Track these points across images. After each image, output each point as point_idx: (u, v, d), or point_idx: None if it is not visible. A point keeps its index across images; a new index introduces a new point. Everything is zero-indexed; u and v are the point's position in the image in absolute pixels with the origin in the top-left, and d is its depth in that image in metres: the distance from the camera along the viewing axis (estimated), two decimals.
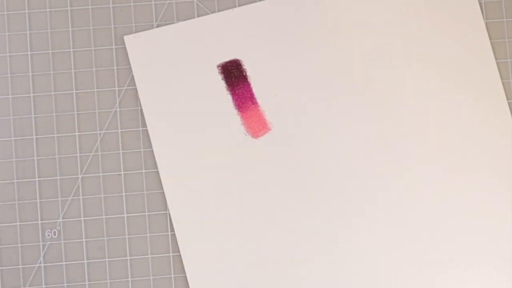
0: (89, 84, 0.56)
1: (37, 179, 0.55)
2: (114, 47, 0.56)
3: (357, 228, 0.55)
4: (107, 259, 0.55)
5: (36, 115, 0.56)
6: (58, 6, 0.56)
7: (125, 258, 0.55)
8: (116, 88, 0.56)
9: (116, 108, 0.56)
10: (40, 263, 0.55)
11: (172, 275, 0.55)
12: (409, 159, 0.56)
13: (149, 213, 0.55)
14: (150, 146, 0.55)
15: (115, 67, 0.56)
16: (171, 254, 0.55)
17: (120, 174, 0.55)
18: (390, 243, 0.55)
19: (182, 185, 0.55)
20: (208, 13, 0.57)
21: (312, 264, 0.55)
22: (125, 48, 0.56)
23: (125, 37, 0.56)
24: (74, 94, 0.56)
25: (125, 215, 0.55)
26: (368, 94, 0.56)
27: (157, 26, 0.56)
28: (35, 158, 0.55)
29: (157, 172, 0.55)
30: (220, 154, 0.55)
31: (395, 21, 0.57)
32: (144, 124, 0.56)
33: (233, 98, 0.56)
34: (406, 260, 0.55)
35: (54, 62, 0.56)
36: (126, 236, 0.55)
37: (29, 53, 0.56)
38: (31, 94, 0.56)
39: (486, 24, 0.57)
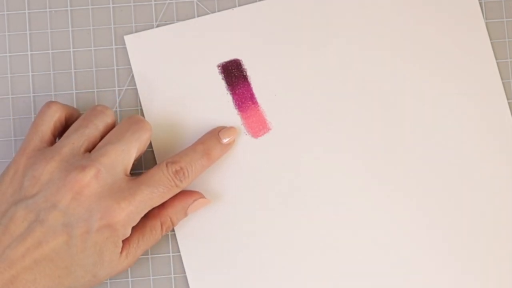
0: (89, 84, 0.56)
1: None
2: (114, 47, 0.56)
3: (357, 228, 0.55)
4: None
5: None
6: (58, 6, 0.56)
7: None
8: (116, 88, 0.56)
9: (116, 108, 0.56)
10: None
11: (172, 275, 0.55)
12: (409, 159, 0.56)
13: None
14: (150, 146, 0.55)
15: (115, 67, 0.56)
16: (171, 254, 0.55)
17: None
18: (390, 243, 0.55)
19: None
20: (208, 13, 0.57)
21: (312, 264, 0.55)
22: (125, 48, 0.56)
23: (125, 37, 0.56)
24: (74, 94, 0.56)
25: None
26: (368, 94, 0.56)
27: (157, 26, 0.56)
28: None
29: None
30: None
31: (395, 21, 0.57)
32: None
33: (233, 98, 0.56)
34: (407, 260, 0.55)
35: (54, 62, 0.56)
36: None
37: (29, 53, 0.56)
38: (31, 94, 0.56)
39: (486, 24, 0.57)
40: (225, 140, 0.54)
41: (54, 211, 0.47)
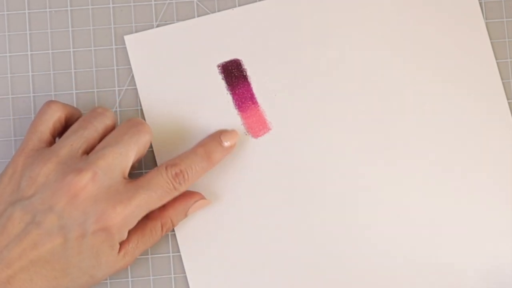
0: (89, 84, 0.56)
1: None
2: (114, 47, 0.56)
3: (357, 228, 0.55)
4: None
5: None
6: (58, 6, 0.56)
7: None
8: (116, 88, 0.56)
9: (116, 108, 0.56)
10: None
11: (172, 275, 0.55)
12: (409, 159, 0.56)
13: None
14: (150, 146, 0.55)
15: (115, 67, 0.56)
16: (171, 254, 0.55)
17: None
18: (389, 243, 0.55)
19: None
20: (208, 13, 0.57)
21: (312, 263, 0.55)
22: (125, 48, 0.56)
23: (125, 37, 0.56)
24: (74, 94, 0.56)
25: None
26: (368, 94, 0.56)
27: (157, 26, 0.56)
28: None
29: None
30: None
31: (395, 21, 0.57)
32: None
33: (233, 98, 0.56)
34: (407, 260, 0.55)
35: (54, 62, 0.56)
36: None
37: (29, 53, 0.56)
38: (31, 94, 0.56)
39: (486, 24, 0.57)
40: (226, 143, 0.53)
41: (50, 214, 0.47)
